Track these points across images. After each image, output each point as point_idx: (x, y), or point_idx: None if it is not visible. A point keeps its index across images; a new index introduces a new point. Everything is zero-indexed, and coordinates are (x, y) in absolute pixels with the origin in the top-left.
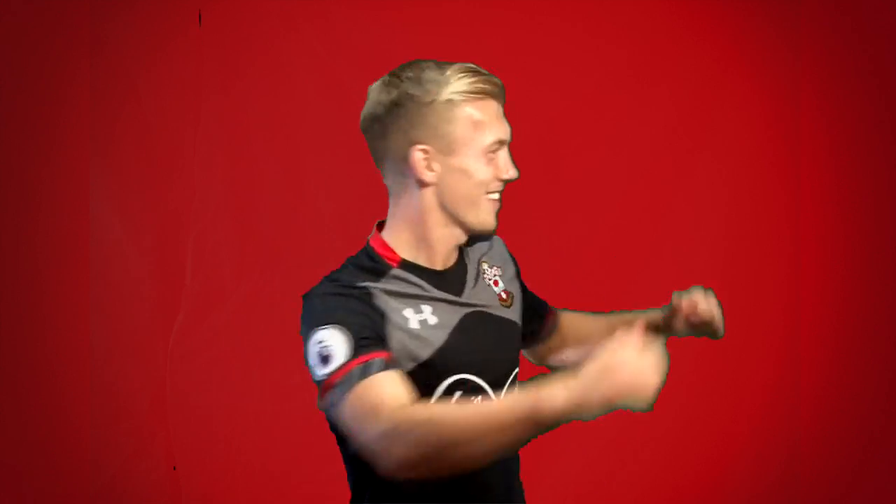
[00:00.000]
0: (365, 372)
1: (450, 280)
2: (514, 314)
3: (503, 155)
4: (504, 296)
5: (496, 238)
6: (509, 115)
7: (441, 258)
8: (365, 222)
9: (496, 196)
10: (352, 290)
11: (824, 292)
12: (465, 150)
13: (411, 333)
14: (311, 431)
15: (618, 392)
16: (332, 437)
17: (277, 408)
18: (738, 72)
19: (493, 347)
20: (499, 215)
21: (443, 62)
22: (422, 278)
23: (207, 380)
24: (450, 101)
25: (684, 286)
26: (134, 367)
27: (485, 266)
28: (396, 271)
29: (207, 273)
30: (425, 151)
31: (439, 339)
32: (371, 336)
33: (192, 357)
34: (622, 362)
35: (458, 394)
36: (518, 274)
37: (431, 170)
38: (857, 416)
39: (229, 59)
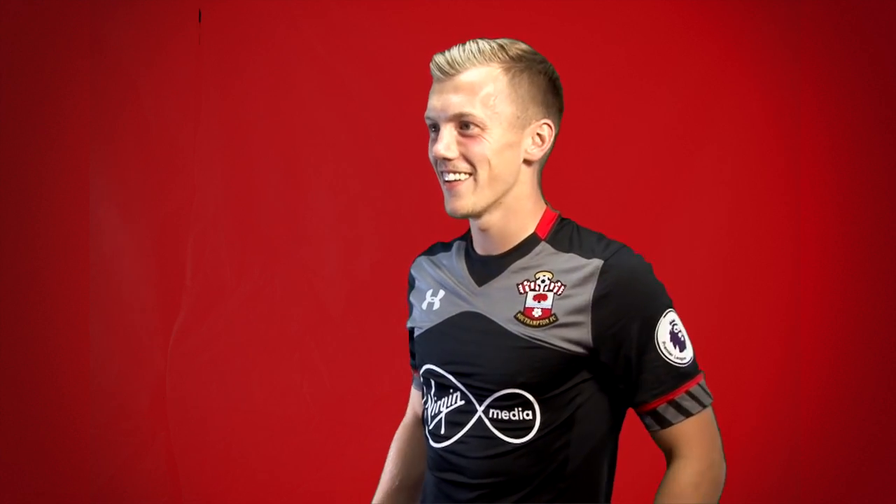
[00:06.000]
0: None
1: (480, 268)
2: (538, 333)
3: (440, 133)
4: (537, 312)
5: (615, 270)
6: None
7: (476, 241)
8: (365, 221)
9: (446, 177)
10: (410, 273)
11: (824, 292)
12: None
13: (421, 309)
14: (311, 431)
15: None
16: (332, 438)
17: (277, 408)
18: (738, 72)
19: (475, 353)
20: (467, 198)
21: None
22: (466, 255)
23: (207, 380)
24: None
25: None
26: (134, 367)
27: (542, 277)
28: (459, 242)
29: (207, 273)
30: None
31: (428, 324)
32: (411, 350)
33: (192, 357)
34: None
35: (433, 385)
36: (605, 322)
37: None
38: (857, 416)
39: (229, 59)
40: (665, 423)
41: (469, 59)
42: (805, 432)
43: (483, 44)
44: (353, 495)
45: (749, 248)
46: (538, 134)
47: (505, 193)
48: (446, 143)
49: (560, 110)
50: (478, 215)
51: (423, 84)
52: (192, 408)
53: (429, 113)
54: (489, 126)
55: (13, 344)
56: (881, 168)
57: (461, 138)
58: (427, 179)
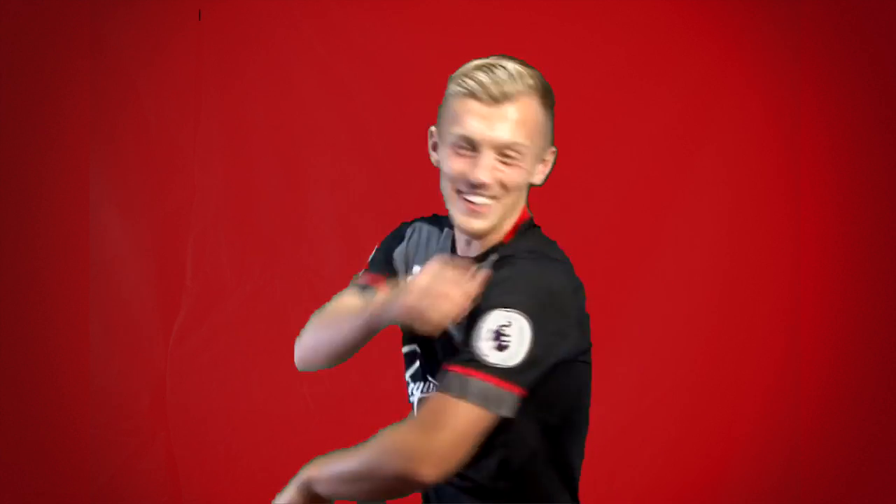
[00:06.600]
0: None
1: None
2: (455, 333)
3: (480, 156)
4: (462, 315)
5: (499, 262)
6: None
7: (458, 242)
8: (365, 221)
9: (474, 199)
10: (402, 225)
11: (824, 292)
12: (443, 142)
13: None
14: (311, 431)
15: (405, 311)
16: (331, 438)
17: (277, 408)
18: (738, 72)
19: (431, 347)
20: (488, 219)
21: (488, 57)
22: (451, 250)
23: (207, 380)
24: (449, 92)
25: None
26: (134, 367)
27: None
28: (448, 230)
29: (207, 273)
30: (432, 134)
31: None
32: (377, 260)
33: (192, 357)
34: (415, 285)
35: (408, 368)
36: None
37: (435, 152)
38: (857, 416)
39: (229, 58)
40: (433, 389)
41: (520, 90)
42: (805, 432)
43: (526, 74)
44: None
45: (749, 248)
46: (544, 160)
47: (511, 212)
48: (488, 170)
49: None
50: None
51: (422, 84)
52: (192, 408)
53: (470, 134)
54: (526, 156)
55: (13, 344)
56: (881, 168)
57: (499, 164)
58: (427, 180)
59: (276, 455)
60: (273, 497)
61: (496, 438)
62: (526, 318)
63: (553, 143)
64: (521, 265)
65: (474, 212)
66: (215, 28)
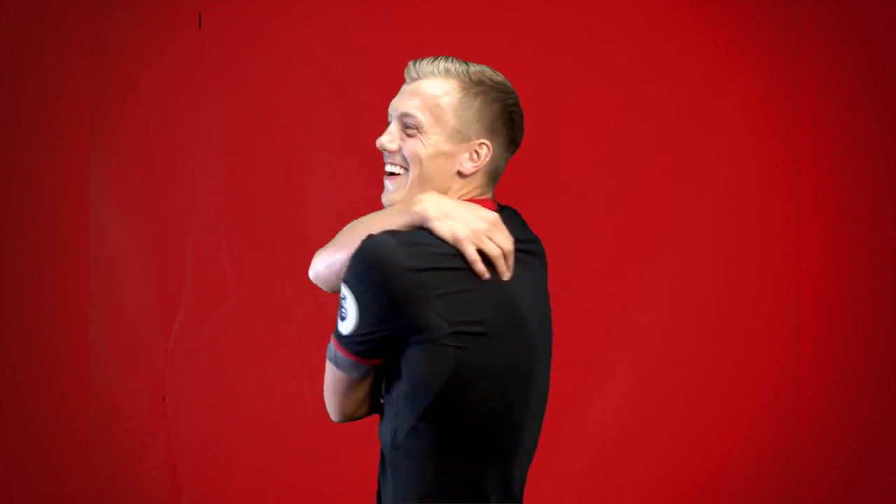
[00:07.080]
0: None
1: None
2: None
3: (388, 127)
4: None
5: None
6: None
7: None
8: None
9: (386, 167)
10: None
11: (824, 292)
12: None
13: None
14: (311, 431)
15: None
16: (331, 438)
17: (277, 408)
18: (738, 72)
19: None
20: (397, 193)
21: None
22: None
23: (207, 380)
24: None
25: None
26: (134, 367)
27: None
28: None
29: (207, 273)
30: None
31: None
32: None
33: (192, 357)
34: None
35: None
36: None
37: None
38: (857, 416)
39: (229, 59)
40: None
41: (433, 71)
42: (805, 432)
43: (451, 63)
44: (353, 495)
45: (749, 248)
46: (475, 151)
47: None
48: (389, 136)
49: (511, 141)
50: None
51: None
52: (192, 408)
53: (389, 109)
54: (427, 131)
55: (13, 344)
56: (881, 168)
57: (403, 135)
58: None
59: (276, 455)
60: (272, 497)
61: (395, 403)
62: (350, 292)
63: (490, 139)
64: (362, 244)
65: (388, 182)
66: (215, 28)
